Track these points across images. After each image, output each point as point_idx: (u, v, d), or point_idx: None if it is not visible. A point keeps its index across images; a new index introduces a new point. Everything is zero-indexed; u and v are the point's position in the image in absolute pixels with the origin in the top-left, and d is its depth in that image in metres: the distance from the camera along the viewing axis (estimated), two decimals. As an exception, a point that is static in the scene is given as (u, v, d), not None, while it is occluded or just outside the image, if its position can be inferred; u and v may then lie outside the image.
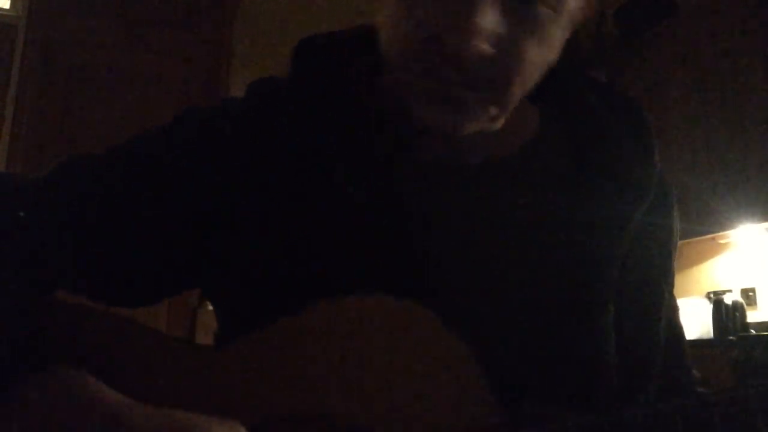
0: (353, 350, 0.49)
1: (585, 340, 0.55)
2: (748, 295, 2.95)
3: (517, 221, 0.56)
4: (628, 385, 0.57)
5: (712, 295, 2.92)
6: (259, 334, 0.50)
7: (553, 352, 0.53)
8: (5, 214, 0.54)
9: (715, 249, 3.15)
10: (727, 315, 2.79)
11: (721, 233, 2.98)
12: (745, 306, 2.84)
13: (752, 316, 2.85)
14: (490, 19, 0.49)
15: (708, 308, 2.86)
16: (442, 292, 0.52)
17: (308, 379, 0.48)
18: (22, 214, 0.55)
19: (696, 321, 2.86)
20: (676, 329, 0.65)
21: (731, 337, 2.66)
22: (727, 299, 2.84)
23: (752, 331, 2.74)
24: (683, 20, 3.11)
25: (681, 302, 2.59)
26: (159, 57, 2.94)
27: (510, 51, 0.50)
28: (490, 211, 0.57)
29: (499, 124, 0.56)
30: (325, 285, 0.52)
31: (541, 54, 0.54)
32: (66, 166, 0.60)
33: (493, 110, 0.53)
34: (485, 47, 0.49)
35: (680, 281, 3.66)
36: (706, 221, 2.89)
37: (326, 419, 0.47)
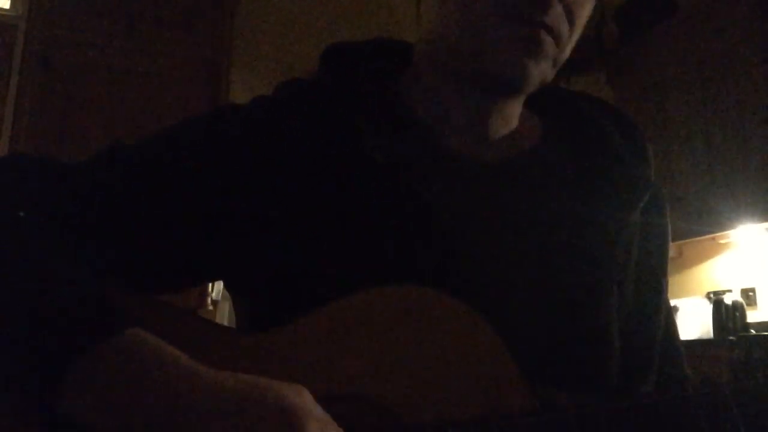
0: (389, 337, 0.51)
1: (593, 322, 0.59)
2: (748, 295, 2.95)
3: (532, 216, 0.61)
4: (630, 376, 0.61)
5: (712, 295, 2.93)
6: (297, 322, 0.52)
7: (564, 336, 0.57)
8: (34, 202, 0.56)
9: (715, 249, 3.15)
10: (727, 315, 2.79)
11: (721, 233, 2.98)
12: (745, 306, 2.84)
13: (752, 316, 2.86)
14: None
15: (708, 308, 2.86)
16: (466, 283, 0.55)
17: (350, 362, 0.50)
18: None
19: (696, 321, 2.86)
20: (672, 326, 0.70)
21: (731, 337, 2.66)
22: (727, 299, 2.84)
23: (752, 331, 2.74)
24: (683, 20, 3.12)
25: (681, 302, 2.59)
26: (159, 57, 2.94)
27: (575, 7, 0.60)
28: (508, 205, 0.62)
29: (553, 72, 0.63)
30: (354, 276, 0.54)
31: (586, 19, 0.63)
32: (107, 152, 0.62)
33: (550, 62, 0.61)
34: None
35: (680, 281, 3.68)
36: (706, 221, 2.89)
37: (360, 399, 0.49)
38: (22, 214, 0.55)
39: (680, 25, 3.13)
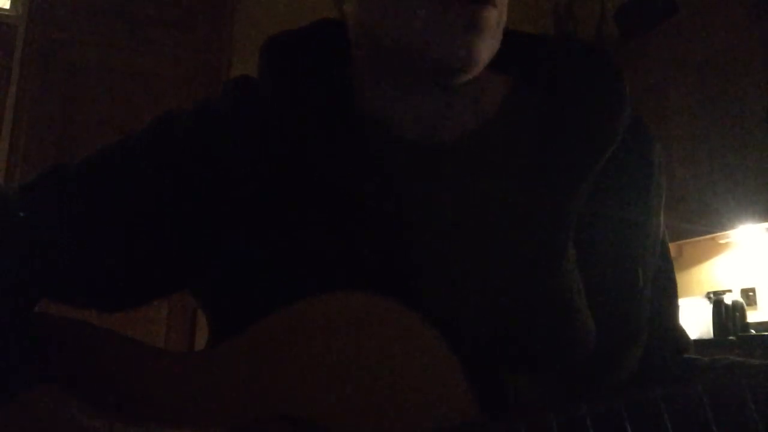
0: (330, 348, 0.49)
1: (550, 283, 0.56)
2: (748, 295, 2.94)
3: (486, 190, 0.59)
4: (614, 342, 0.57)
5: (712, 295, 2.92)
6: (241, 336, 0.51)
7: (522, 311, 0.55)
8: None
9: (715, 249, 3.15)
10: (727, 315, 2.79)
11: (721, 233, 2.98)
12: (745, 306, 2.84)
13: (752, 316, 2.85)
14: None
15: (708, 308, 2.85)
16: (420, 276, 0.54)
17: (289, 378, 0.49)
18: (23, 214, 0.57)
19: (696, 321, 2.86)
20: (667, 278, 0.66)
21: (731, 337, 2.67)
22: (727, 299, 2.84)
23: (752, 331, 2.74)
24: (683, 20, 3.11)
25: (681, 302, 2.58)
26: (159, 57, 2.94)
27: None
28: (463, 183, 0.60)
29: (496, 46, 0.60)
30: (306, 277, 0.54)
31: None
32: (49, 173, 0.61)
33: (499, 31, 0.59)
34: None
35: (680, 281, 3.65)
36: (706, 221, 2.88)
37: (292, 420, 0.48)
38: None
39: (680, 25, 3.13)
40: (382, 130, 0.61)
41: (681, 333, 0.67)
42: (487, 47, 0.58)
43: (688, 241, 3.13)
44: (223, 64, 3.03)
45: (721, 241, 3.09)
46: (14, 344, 0.49)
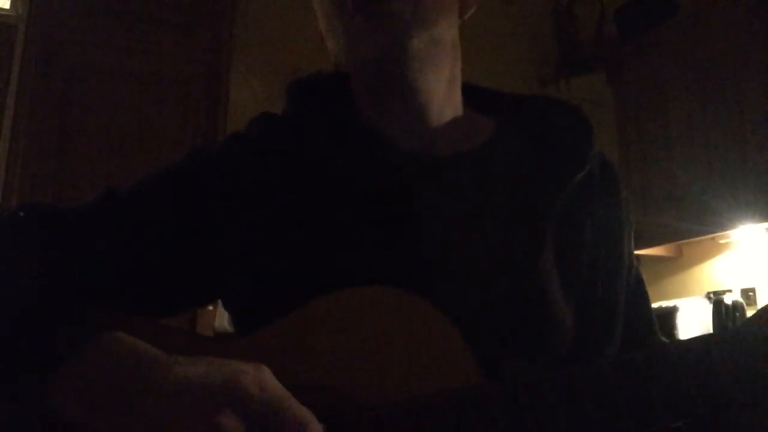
0: (352, 336, 0.56)
1: (529, 278, 0.65)
2: (748, 295, 2.95)
3: (481, 199, 0.69)
4: (588, 338, 0.66)
5: (712, 295, 2.92)
6: (269, 327, 0.57)
7: (508, 301, 0.64)
8: (38, 241, 0.63)
9: (715, 249, 3.15)
10: (727, 315, 2.79)
11: (721, 233, 2.98)
12: (745, 306, 2.84)
13: (752, 316, 2.85)
14: None
15: (708, 308, 2.85)
16: (428, 273, 0.62)
17: (314, 361, 0.55)
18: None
19: (696, 321, 2.86)
20: (640, 296, 0.76)
21: (731, 337, 2.66)
22: (727, 299, 2.84)
23: (752, 331, 2.74)
24: (683, 20, 3.11)
25: (681, 302, 2.59)
26: (159, 57, 2.94)
27: None
28: (461, 193, 0.69)
29: (438, 54, 0.69)
30: (326, 274, 0.62)
31: None
32: (101, 198, 0.69)
33: (417, 22, 0.66)
34: None
35: (680, 281, 3.68)
36: (706, 221, 2.89)
37: (326, 390, 0.54)
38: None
39: (680, 25, 3.13)
40: (385, 144, 0.71)
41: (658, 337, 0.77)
42: (398, 30, 0.65)
43: (688, 241, 3.13)
44: (223, 65, 3.03)
45: (721, 241, 3.09)
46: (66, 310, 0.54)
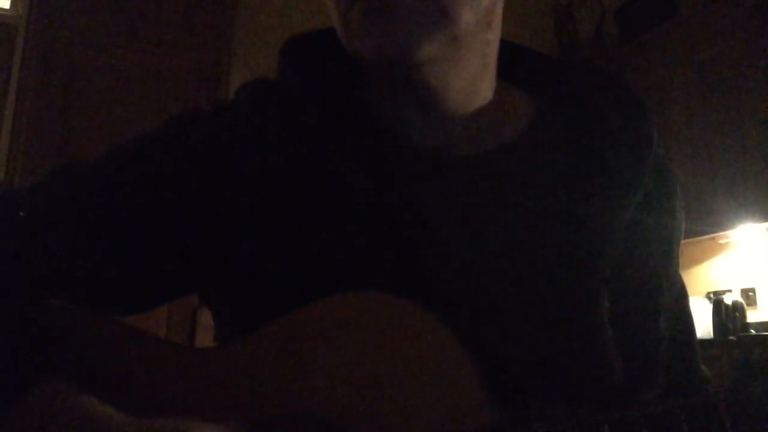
0: (348, 348, 0.48)
1: (580, 332, 0.54)
2: (748, 295, 2.94)
3: (506, 215, 0.56)
4: (634, 383, 0.56)
5: (712, 295, 2.92)
6: (256, 334, 0.51)
7: (549, 345, 0.53)
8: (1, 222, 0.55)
9: (715, 249, 3.15)
10: (727, 315, 2.79)
11: (721, 233, 2.98)
12: (745, 306, 2.84)
13: (752, 316, 2.85)
14: None
15: (708, 308, 2.85)
16: (437, 286, 0.52)
17: (305, 378, 0.48)
18: (22, 214, 0.55)
19: (696, 321, 2.86)
20: (685, 324, 0.64)
21: (731, 337, 2.66)
22: (727, 299, 2.84)
23: (752, 331, 2.74)
24: (683, 20, 3.11)
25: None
26: (159, 57, 2.94)
27: None
28: (477, 204, 0.57)
29: (460, 51, 0.55)
30: (321, 279, 0.52)
31: None
32: (60, 172, 0.59)
33: (434, 18, 0.52)
34: None
35: (680, 281, 3.59)
36: (706, 221, 2.88)
37: (309, 420, 0.48)
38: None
39: (680, 25, 3.13)
40: (397, 137, 0.59)
41: (703, 373, 0.66)
42: (406, 31, 0.51)
43: (688, 241, 3.11)
44: (223, 64, 3.03)
45: (721, 241, 3.09)
46: (21, 340, 0.49)
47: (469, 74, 0.59)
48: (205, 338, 2.49)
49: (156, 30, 2.97)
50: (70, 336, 0.51)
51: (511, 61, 0.64)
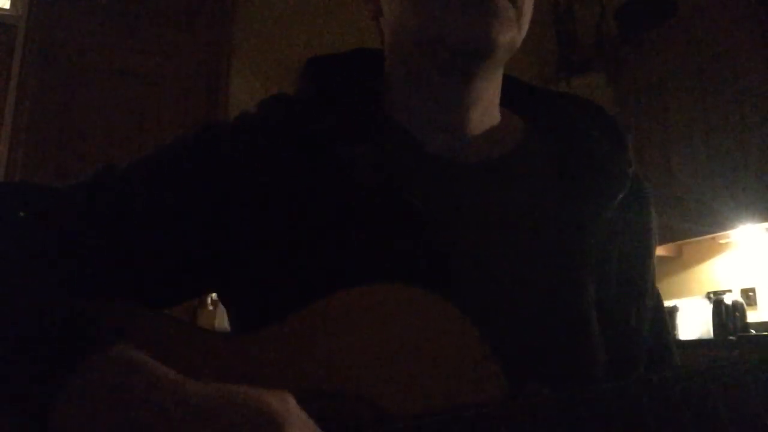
0: (371, 332, 0.52)
1: (568, 318, 0.61)
2: (748, 295, 2.95)
3: (512, 214, 0.64)
4: (614, 371, 0.61)
5: (712, 295, 2.92)
6: (285, 322, 0.53)
7: (541, 330, 0.59)
8: (32, 220, 0.57)
9: (715, 249, 3.15)
10: (727, 315, 2.79)
11: (721, 233, 2.98)
12: (745, 306, 2.84)
13: (752, 316, 2.86)
14: None
15: (708, 308, 2.86)
16: (454, 284, 0.57)
17: (333, 358, 0.51)
18: (22, 214, 0.57)
19: (696, 321, 2.86)
20: (661, 326, 0.71)
21: (731, 337, 2.67)
22: (727, 299, 2.84)
23: (752, 331, 2.74)
24: (683, 20, 3.11)
25: (681, 302, 2.58)
26: (159, 57, 2.94)
27: None
28: (489, 204, 0.64)
29: (519, 36, 0.65)
30: (341, 274, 0.57)
31: None
32: (101, 174, 0.64)
33: (515, 25, 0.63)
34: None
35: (680, 281, 3.67)
36: (706, 221, 2.89)
37: (345, 397, 0.50)
38: (21, 215, 0.56)
39: (680, 25, 3.13)
40: (411, 142, 0.66)
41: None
42: (503, 31, 0.62)
43: (688, 241, 3.13)
44: (223, 64, 3.04)
45: (721, 241, 3.09)
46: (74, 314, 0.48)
47: (489, 99, 0.69)
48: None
49: (156, 30, 2.97)
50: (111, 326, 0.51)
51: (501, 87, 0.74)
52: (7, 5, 2.96)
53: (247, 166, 0.62)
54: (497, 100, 0.71)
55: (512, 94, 0.74)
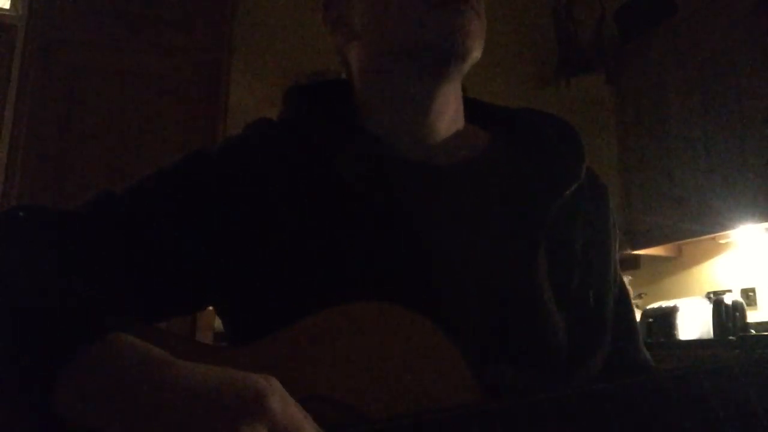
0: (352, 345, 0.56)
1: (524, 286, 0.67)
2: (748, 295, 2.95)
3: (480, 209, 0.71)
4: (577, 350, 0.67)
5: (712, 295, 2.93)
6: (270, 337, 0.57)
7: (503, 311, 0.65)
8: (40, 244, 0.61)
9: (715, 249, 3.15)
10: (727, 315, 2.79)
11: (721, 233, 2.98)
12: (745, 306, 2.84)
13: (752, 316, 2.86)
14: None
15: (708, 308, 2.86)
16: (432, 271, 0.65)
17: (319, 368, 0.55)
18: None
19: (696, 321, 2.86)
20: (626, 309, 0.78)
21: (731, 337, 2.67)
22: (727, 299, 2.84)
23: (752, 331, 2.74)
24: (683, 20, 3.12)
25: (681, 302, 2.58)
26: (159, 57, 2.94)
27: None
28: (460, 201, 0.71)
29: (482, 44, 0.72)
30: (323, 281, 0.63)
31: None
32: (97, 199, 0.68)
33: (481, 35, 0.71)
34: None
35: (680, 281, 3.67)
36: (706, 221, 2.89)
37: (323, 399, 0.54)
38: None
39: (680, 25, 3.13)
40: (387, 149, 0.73)
41: (647, 357, 0.78)
42: (477, 36, 0.70)
43: (688, 241, 3.13)
44: (223, 64, 3.03)
45: (721, 241, 3.09)
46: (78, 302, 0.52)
47: (455, 104, 0.77)
48: (205, 338, 2.49)
49: (156, 30, 2.97)
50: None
51: (467, 106, 0.83)
52: (7, 5, 2.96)
53: (237, 182, 0.68)
54: (461, 109, 0.79)
55: (476, 113, 0.83)
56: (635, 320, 0.79)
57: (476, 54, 0.71)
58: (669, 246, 3.17)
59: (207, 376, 0.46)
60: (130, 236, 0.65)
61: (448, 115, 0.76)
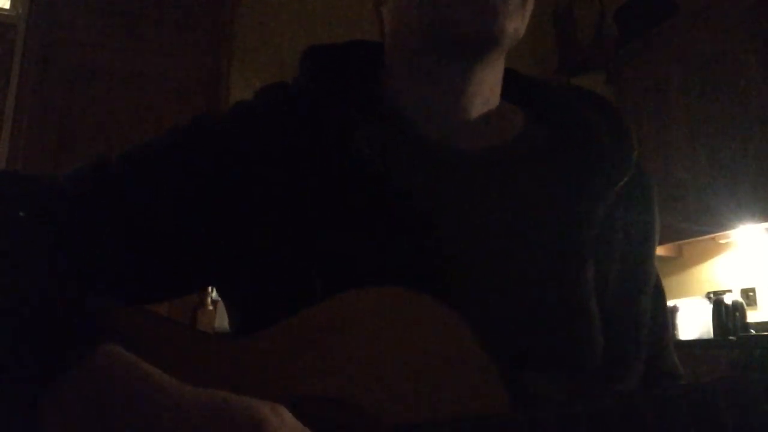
0: (367, 337, 0.51)
1: (569, 295, 0.60)
2: (748, 295, 2.95)
3: (512, 200, 0.63)
4: (612, 363, 0.61)
5: (712, 295, 2.92)
6: (278, 326, 0.52)
7: (542, 314, 0.58)
8: (30, 212, 0.56)
9: (715, 249, 3.15)
10: (727, 315, 2.79)
11: (721, 233, 2.98)
12: (745, 306, 2.84)
13: (752, 316, 2.85)
14: None
15: (708, 308, 2.85)
16: (451, 273, 0.57)
17: (329, 364, 0.51)
18: (21, 213, 0.56)
19: (696, 321, 2.86)
20: (661, 320, 0.70)
21: (731, 337, 2.67)
22: (727, 299, 2.84)
23: (752, 331, 2.74)
24: (683, 20, 3.11)
25: (681, 302, 2.59)
26: (159, 57, 2.94)
27: None
28: (489, 191, 0.64)
29: (523, 26, 0.65)
30: (341, 272, 0.56)
31: None
32: (88, 168, 0.62)
33: (520, 14, 0.63)
34: None
35: (680, 281, 3.67)
36: (706, 221, 2.88)
37: (334, 401, 0.50)
38: (19, 216, 0.55)
39: (680, 25, 3.13)
40: (411, 128, 0.65)
41: (676, 363, 0.72)
42: (509, 19, 0.61)
43: (688, 241, 3.13)
44: (223, 65, 3.04)
45: (721, 241, 3.09)
46: (69, 311, 0.47)
47: (491, 86, 0.69)
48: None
49: (156, 30, 2.97)
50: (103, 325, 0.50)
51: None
52: (7, 5, 2.96)
53: (244, 154, 0.61)
54: (498, 90, 0.71)
55: (513, 87, 0.74)
56: (668, 322, 0.74)
57: (514, 34, 0.63)
58: (669, 246, 3.17)
59: (209, 405, 0.42)
60: (126, 210, 0.59)
61: (481, 99, 0.68)
